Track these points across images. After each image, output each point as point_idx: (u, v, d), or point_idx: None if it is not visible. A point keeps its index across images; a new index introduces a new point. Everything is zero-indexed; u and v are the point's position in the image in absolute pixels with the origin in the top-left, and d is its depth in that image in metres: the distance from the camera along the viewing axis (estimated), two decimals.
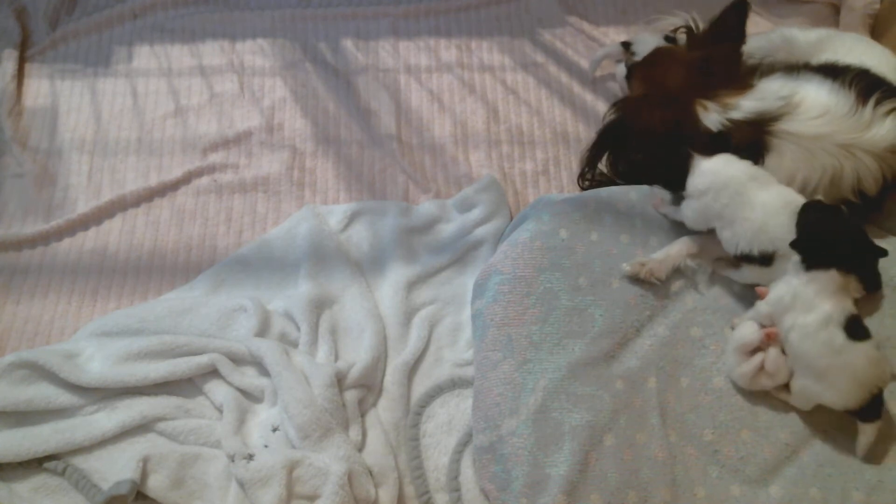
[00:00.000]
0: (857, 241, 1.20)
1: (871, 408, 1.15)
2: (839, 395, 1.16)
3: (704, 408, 1.24)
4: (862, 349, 1.15)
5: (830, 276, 1.17)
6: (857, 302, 1.20)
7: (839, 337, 1.15)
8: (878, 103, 1.27)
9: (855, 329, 1.15)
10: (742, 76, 1.37)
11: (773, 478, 1.19)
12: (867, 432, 1.16)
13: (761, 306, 1.24)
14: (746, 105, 1.30)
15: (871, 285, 1.24)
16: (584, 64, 1.78)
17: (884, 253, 1.20)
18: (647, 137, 1.38)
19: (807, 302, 1.17)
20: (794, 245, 1.19)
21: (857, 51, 1.40)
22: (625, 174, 1.48)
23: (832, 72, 1.33)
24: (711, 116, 1.31)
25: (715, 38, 1.41)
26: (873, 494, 1.16)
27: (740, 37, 1.39)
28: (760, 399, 1.24)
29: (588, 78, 1.76)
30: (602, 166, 1.50)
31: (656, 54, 1.49)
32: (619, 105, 1.45)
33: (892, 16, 1.70)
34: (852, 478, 1.17)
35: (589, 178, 1.51)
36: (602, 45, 1.79)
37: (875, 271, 1.24)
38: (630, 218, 1.40)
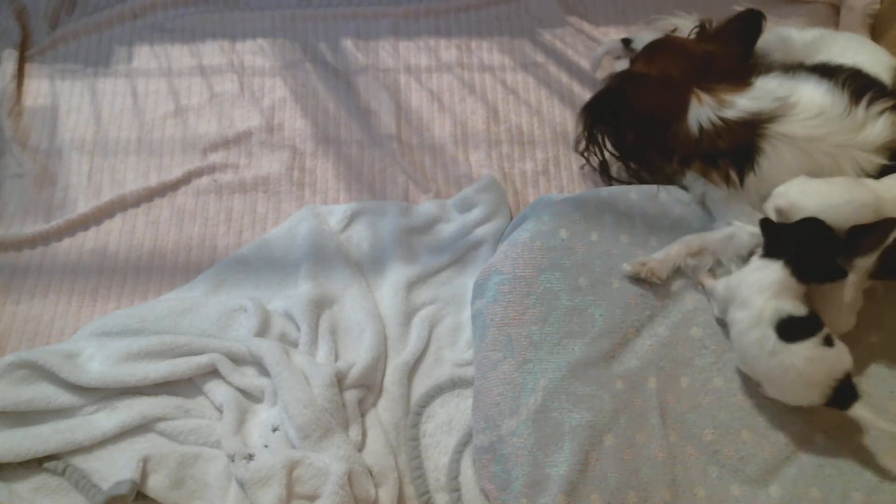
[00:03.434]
0: (818, 249, 1.17)
1: (839, 398, 1.14)
2: (792, 395, 1.17)
3: (704, 408, 1.24)
4: (797, 350, 1.13)
5: (776, 269, 1.17)
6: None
7: (771, 338, 1.15)
8: (870, 103, 1.27)
9: (789, 330, 1.14)
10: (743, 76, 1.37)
11: (773, 478, 1.19)
12: (858, 415, 1.14)
13: (718, 287, 1.26)
14: (742, 104, 1.29)
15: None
16: (584, 64, 1.78)
17: (842, 274, 1.17)
18: (640, 116, 1.37)
19: (747, 291, 1.18)
20: (761, 223, 1.22)
21: (851, 50, 1.40)
22: (618, 149, 1.47)
23: (826, 72, 1.33)
24: (703, 111, 1.31)
25: (722, 40, 1.41)
26: (873, 494, 1.16)
27: (751, 44, 1.39)
28: (760, 399, 1.24)
29: (588, 78, 1.76)
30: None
31: (662, 40, 1.48)
32: (618, 77, 1.44)
33: (892, 16, 1.70)
34: (852, 478, 1.18)
35: (586, 151, 1.52)
36: (602, 44, 1.79)
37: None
38: (630, 218, 1.40)
